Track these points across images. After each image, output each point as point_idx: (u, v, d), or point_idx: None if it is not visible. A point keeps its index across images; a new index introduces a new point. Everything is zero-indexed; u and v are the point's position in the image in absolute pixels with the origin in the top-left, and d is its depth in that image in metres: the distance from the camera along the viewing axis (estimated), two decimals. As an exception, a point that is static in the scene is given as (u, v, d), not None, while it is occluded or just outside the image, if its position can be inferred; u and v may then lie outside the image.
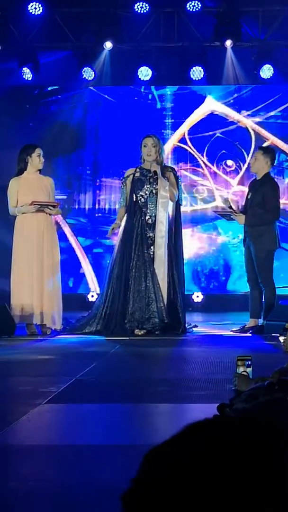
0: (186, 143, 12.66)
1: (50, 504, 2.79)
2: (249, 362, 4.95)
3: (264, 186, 8.79)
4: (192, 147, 12.64)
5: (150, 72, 11.89)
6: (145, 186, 8.77)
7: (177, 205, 8.96)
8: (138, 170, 8.89)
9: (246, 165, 12.25)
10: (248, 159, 12.11)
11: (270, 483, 0.95)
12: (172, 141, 12.65)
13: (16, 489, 2.94)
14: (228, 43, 11.50)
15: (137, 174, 8.84)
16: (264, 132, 12.53)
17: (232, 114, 12.58)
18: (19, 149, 9.00)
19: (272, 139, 12.48)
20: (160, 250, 8.65)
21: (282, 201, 9.78)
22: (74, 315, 9.54)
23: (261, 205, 8.75)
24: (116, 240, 9.14)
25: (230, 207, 9.14)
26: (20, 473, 3.17)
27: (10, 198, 8.84)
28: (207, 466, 0.96)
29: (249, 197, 8.97)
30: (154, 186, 8.74)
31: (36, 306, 8.63)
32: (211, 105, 12.60)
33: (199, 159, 12.64)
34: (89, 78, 12.01)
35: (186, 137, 12.64)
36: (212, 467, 0.96)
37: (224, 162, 12.62)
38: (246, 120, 12.56)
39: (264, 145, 11.52)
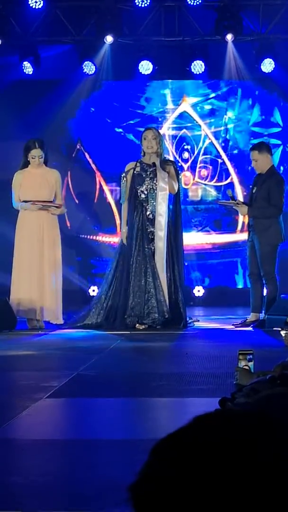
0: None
1: (52, 498, 2.79)
2: (251, 356, 4.95)
3: (270, 180, 8.77)
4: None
5: (151, 66, 11.86)
6: (146, 182, 8.75)
7: (177, 198, 8.95)
8: (138, 164, 8.87)
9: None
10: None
11: (273, 478, 0.95)
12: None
13: (18, 483, 2.94)
14: (229, 37, 11.46)
15: (137, 169, 8.82)
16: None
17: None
18: (20, 143, 9.03)
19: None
20: (160, 243, 8.64)
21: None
22: (75, 310, 9.54)
23: (266, 199, 8.75)
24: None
25: (232, 198, 9.15)
26: (21, 468, 3.17)
27: (14, 191, 8.88)
28: (213, 460, 0.96)
29: (253, 191, 8.95)
30: (154, 181, 8.72)
31: (36, 301, 8.64)
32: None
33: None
34: (90, 72, 11.98)
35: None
36: (217, 461, 0.96)
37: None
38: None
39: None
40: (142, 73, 11.96)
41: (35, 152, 8.80)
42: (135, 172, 8.79)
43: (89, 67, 11.93)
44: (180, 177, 8.99)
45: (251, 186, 9.23)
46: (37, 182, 8.81)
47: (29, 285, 8.66)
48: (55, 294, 8.81)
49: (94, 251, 12.58)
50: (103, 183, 12.66)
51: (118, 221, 12.10)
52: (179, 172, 9.09)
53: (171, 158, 11.63)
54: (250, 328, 8.63)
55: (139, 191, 8.76)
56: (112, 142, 12.55)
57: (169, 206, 8.82)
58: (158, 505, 0.96)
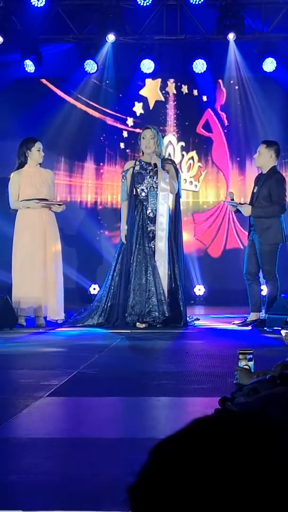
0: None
1: (52, 496, 2.79)
2: (251, 356, 4.96)
3: (270, 180, 8.78)
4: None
5: (152, 65, 11.86)
6: (146, 180, 8.74)
7: (177, 197, 8.95)
8: (137, 163, 8.85)
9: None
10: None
11: (274, 479, 0.96)
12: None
13: (18, 481, 2.94)
14: (231, 36, 11.46)
15: (137, 168, 8.80)
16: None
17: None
18: (20, 141, 9.02)
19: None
20: (161, 243, 8.64)
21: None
22: (75, 308, 9.55)
23: (267, 199, 8.75)
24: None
25: (233, 199, 9.16)
26: (21, 466, 3.18)
27: (12, 192, 8.84)
28: (213, 462, 0.96)
29: (255, 190, 8.96)
30: (155, 179, 8.70)
31: (40, 298, 8.64)
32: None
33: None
34: (92, 71, 11.98)
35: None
36: (217, 463, 0.96)
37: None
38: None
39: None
40: (144, 72, 11.97)
41: (39, 144, 8.83)
42: (134, 170, 8.78)
43: (90, 66, 11.93)
44: (179, 176, 8.97)
45: (253, 186, 9.23)
46: (36, 181, 8.81)
47: (33, 282, 8.65)
48: (58, 290, 8.81)
49: (95, 249, 12.57)
50: (104, 180, 12.66)
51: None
52: (179, 171, 9.07)
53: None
54: (250, 328, 8.64)
55: (139, 189, 8.75)
56: (114, 138, 12.55)
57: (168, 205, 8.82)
58: (157, 507, 0.96)
